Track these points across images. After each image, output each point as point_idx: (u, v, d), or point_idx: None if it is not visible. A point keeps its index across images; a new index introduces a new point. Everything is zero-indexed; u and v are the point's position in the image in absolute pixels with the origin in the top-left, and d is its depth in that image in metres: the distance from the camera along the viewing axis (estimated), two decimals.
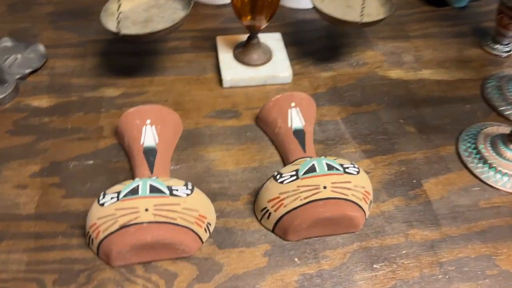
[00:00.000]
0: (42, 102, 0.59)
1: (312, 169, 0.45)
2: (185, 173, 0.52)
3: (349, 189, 0.45)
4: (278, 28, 0.71)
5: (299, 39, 0.71)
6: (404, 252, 0.47)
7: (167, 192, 0.43)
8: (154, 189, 0.43)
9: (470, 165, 0.54)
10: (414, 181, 0.53)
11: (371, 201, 0.48)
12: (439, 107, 0.62)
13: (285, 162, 0.53)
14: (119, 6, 0.55)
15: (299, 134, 0.53)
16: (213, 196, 0.50)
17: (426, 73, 0.67)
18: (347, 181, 0.45)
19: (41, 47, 0.65)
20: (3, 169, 0.52)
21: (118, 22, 0.55)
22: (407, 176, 0.54)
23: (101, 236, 0.42)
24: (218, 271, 0.45)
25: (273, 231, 0.47)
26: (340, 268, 0.45)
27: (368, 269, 0.45)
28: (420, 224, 0.49)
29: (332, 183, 0.44)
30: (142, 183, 0.43)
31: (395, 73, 0.67)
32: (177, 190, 0.43)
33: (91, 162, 0.53)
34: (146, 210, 0.41)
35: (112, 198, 0.43)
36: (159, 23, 0.58)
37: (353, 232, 0.48)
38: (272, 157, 0.55)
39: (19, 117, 0.57)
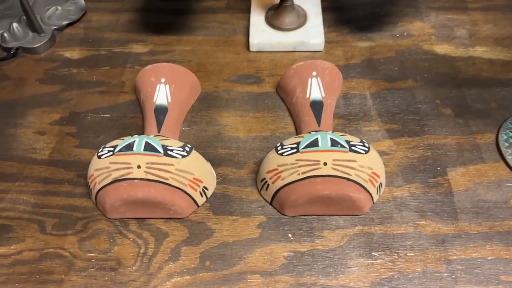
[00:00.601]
0: (73, 53, 0.61)
1: (314, 143, 0.42)
2: (195, 136, 0.52)
3: (352, 168, 0.41)
4: None
5: (340, 4, 0.66)
6: (409, 243, 0.43)
7: (162, 151, 0.42)
8: (148, 147, 0.42)
9: (508, 157, 0.48)
10: (439, 169, 0.48)
11: (380, 184, 0.44)
12: (485, 90, 0.55)
13: (298, 134, 0.51)
14: None
15: (317, 106, 0.50)
16: (218, 161, 0.49)
17: (479, 51, 0.59)
18: (352, 159, 0.42)
19: (81, 0, 0.67)
20: (29, 114, 0.54)
21: None
22: (431, 162, 0.49)
23: (97, 187, 0.43)
24: (208, 236, 0.44)
25: (271, 203, 0.46)
26: (334, 250, 0.43)
27: (365, 256, 0.42)
28: (434, 215, 0.45)
29: (334, 160, 0.41)
30: (138, 140, 0.43)
31: (442, 48, 0.60)
32: (172, 150, 0.43)
33: (107, 115, 0.54)
34: (139, 167, 0.41)
35: (109, 151, 0.43)
36: None
37: (357, 215, 0.45)
38: (286, 128, 0.52)
39: (51, 66, 0.60)
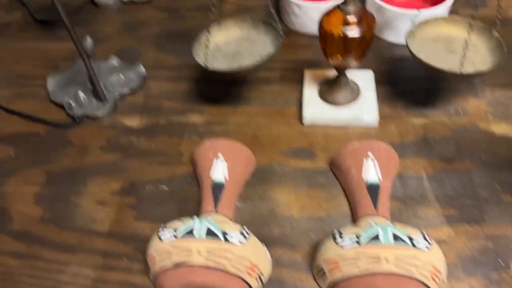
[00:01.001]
0: (133, 122, 0.64)
1: (375, 237, 0.42)
2: (249, 213, 0.52)
3: (415, 265, 0.41)
4: (371, 64, 0.67)
5: (393, 78, 0.66)
6: None
7: (222, 237, 0.43)
8: (209, 233, 0.43)
9: None
10: (501, 263, 0.46)
11: (442, 282, 0.43)
12: None
13: (354, 216, 0.50)
14: (207, 41, 0.56)
15: (373, 189, 0.50)
16: (272, 242, 0.49)
17: None
18: (414, 256, 0.41)
19: (141, 68, 0.70)
20: (90, 183, 0.57)
21: (206, 56, 0.56)
22: (493, 255, 0.47)
23: (157, 269, 0.44)
24: None
25: None
26: None
27: None
28: None
29: (396, 257, 0.41)
30: (199, 225, 0.44)
31: (500, 128, 0.59)
32: (231, 236, 0.43)
33: (165, 187, 0.56)
34: (199, 253, 0.42)
35: (169, 234, 0.44)
36: (247, 59, 0.59)
37: None
38: (341, 208, 0.52)
39: (112, 134, 0.62)
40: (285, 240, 0.50)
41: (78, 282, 0.48)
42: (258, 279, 0.45)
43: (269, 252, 0.48)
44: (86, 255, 0.50)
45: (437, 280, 0.42)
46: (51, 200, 0.55)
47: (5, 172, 0.59)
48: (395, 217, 0.51)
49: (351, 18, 0.52)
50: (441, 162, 0.56)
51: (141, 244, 0.50)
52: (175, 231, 0.44)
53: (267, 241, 0.49)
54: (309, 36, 0.74)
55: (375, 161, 0.51)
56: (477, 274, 0.46)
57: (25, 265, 0.49)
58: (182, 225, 0.45)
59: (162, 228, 0.45)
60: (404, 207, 0.52)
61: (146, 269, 0.47)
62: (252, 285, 0.44)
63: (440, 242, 0.48)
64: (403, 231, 0.43)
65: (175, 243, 0.43)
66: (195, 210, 0.52)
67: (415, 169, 0.55)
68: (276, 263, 0.48)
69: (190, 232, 0.43)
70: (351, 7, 0.51)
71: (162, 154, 0.59)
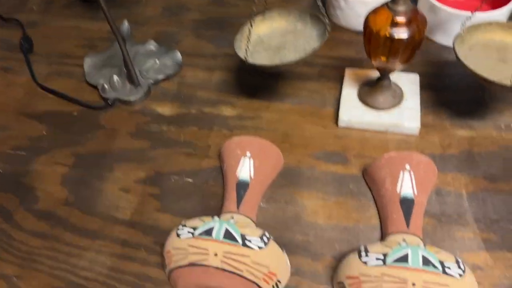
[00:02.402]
0: (165, 109, 0.63)
1: (403, 259, 0.39)
2: (272, 215, 0.50)
3: None
4: (417, 66, 0.63)
5: (440, 84, 0.62)
6: None
7: (240, 241, 0.41)
8: (227, 235, 0.42)
9: None
10: None
11: None
12: None
13: (383, 230, 0.47)
14: (249, 33, 0.54)
15: (407, 204, 0.46)
16: (294, 249, 0.47)
17: None
18: (444, 284, 0.38)
19: (178, 55, 0.69)
20: (116, 169, 0.56)
21: (247, 49, 0.54)
22: None
23: (173, 266, 0.43)
24: None
25: None
26: None
27: None
28: None
29: (425, 282, 0.38)
30: (218, 226, 0.42)
31: None
32: (250, 241, 0.42)
33: (190, 180, 0.54)
34: (216, 254, 0.41)
35: (188, 232, 0.43)
36: (290, 52, 0.56)
37: None
38: (371, 220, 0.49)
39: (143, 121, 0.62)
40: (307, 248, 0.47)
41: (94, 269, 0.47)
42: (275, 287, 0.43)
43: (290, 259, 0.46)
44: (106, 242, 0.50)
45: None
46: (76, 183, 0.55)
47: (36, 150, 0.59)
48: (428, 236, 0.47)
49: (400, 19, 0.48)
50: (484, 180, 0.52)
51: (161, 237, 0.49)
52: (194, 229, 0.43)
53: (288, 247, 0.47)
54: (353, 32, 0.70)
55: (412, 174, 0.48)
56: None
57: (46, 246, 0.50)
58: (201, 224, 0.43)
59: (182, 226, 0.44)
60: (439, 226, 0.48)
61: (162, 263, 0.46)
62: None
63: (475, 269, 0.44)
64: (434, 255, 0.39)
65: (192, 242, 0.42)
66: (218, 207, 0.51)
67: (455, 185, 0.51)
68: (296, 271, 0.46)
69: (208, 232, 0.42)
70: (401, 7, 0.48)
71: (190, 145, 0.58)
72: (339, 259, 0.45)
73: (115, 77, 0.64)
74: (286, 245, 0.47)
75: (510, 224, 0.48)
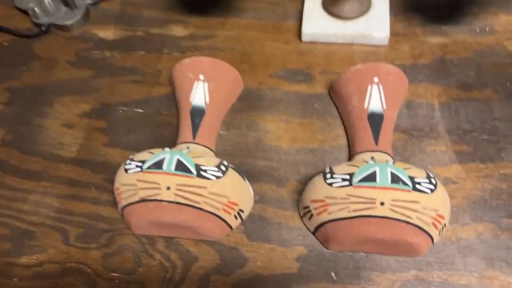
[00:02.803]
0: (108, 33, 0.56)
1: (371, 177, 0.36)
2: (233, 142, 0.46)
3: (414, 210, 0.35)
4: None
5: None
6: None
7: (195, 172, 0.38)
8: (180, 166, 0.38)
9: None
10: None
11: (444, 225, 0.38)
12: None
13: (351, 150, 0.44)
14: None
15: (375, 120, 0.43)
16: (257, 175, 0.44)
17: None
18: (414, 200, 0.35)
19: None
20: (56, 102, 0.50)
21: None
22: (506, 197, 0.41)
23: (123, 202, 0.39)
24: (241, 265, 0.40)
25: (314, 234, 0.40)
26: None
27: None
28: (506, 266, 0.38)
29: (393, 200, 0.35)
30: (169, 157, 0.38)
31: None
32: (206, 171, 0.38)
33: (140, 110, 0.49)
34: (168, 188, 0.37)
35: (137, 166, 0.39)
36: None
37: (412, 257, 0.39)
38: (337, 140, 0.46)
39: (83, 47, 0.55)
40: (271, 174, 0.44)
41: (40, 212, 0.43)
42: (237, 216, 0.40)
43: (253, 186, 0.43)
44: (51, 183, 0.45)
45: (438, 226, 0.37)
46: (13, 120, 0.49)
47: None
48: (398, 152, 0.44)
49: None
50: (458, 89, 0.48)
51: (111, 174, 0.44)
52: (142, 163, 0.39)
53: (251, 174, 0.44)
54: None
55: (381, 87, 0.44)
56: (485, 220, 0.40)
57: None
58: (150, 157, 0.39)
59: (130, 161, 0.40)
60: (410, 140, 0.45)
61: (114, 201, 0.42)
62: (229, 222, 0.40)
63: (447, 182, 0.42)
64: (404, 171, 0.36)
65: (141, 176, 0.38)
66: (173, 138, 0.46)
67: (426, 96, 0.48)
68: (260, 199, 0.43)
69: (158, 165, 0.38)
70: None
71: (138, 72, 0.52)
72: (305, 183, 0.42)
73: None
74: (248, 172, 0.44)
75: (484, 134, 0.45)
